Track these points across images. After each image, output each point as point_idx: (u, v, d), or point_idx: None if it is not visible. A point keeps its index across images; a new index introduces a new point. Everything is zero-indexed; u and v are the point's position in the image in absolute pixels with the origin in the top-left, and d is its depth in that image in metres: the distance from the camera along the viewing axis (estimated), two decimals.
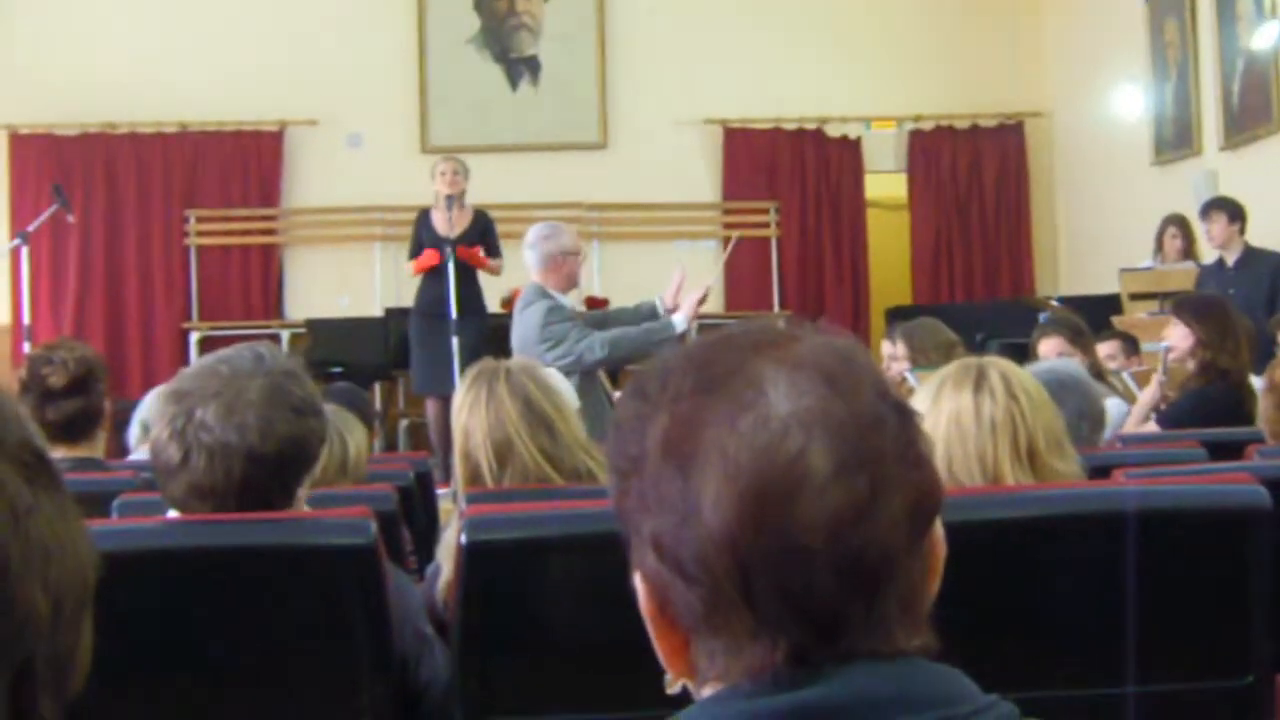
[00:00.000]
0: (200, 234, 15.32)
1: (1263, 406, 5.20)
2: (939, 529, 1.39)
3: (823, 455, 1.30)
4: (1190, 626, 3.30)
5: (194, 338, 14.72)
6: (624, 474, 1.38)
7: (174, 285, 15.24)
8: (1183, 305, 7.31)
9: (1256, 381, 7.08)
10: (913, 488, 1.34)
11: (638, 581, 1.39)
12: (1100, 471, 3.95)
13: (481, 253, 11.38)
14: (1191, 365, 7.01)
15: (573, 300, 8.68)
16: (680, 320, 8.43)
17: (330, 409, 3.68)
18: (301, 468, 3.19)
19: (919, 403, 3.51)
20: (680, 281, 8.65)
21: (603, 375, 8.41)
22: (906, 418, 1.38)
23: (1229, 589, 3.29)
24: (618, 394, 8.64)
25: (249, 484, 3.08)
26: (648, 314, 8.65)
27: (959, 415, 3.56)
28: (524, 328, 8.30)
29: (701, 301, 8.62)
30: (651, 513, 1.34)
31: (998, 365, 3.70)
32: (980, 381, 3.61)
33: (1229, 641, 3.30)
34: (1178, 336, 7.09)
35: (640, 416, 1.38)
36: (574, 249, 8.52)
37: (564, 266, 8.42)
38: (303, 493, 3.31)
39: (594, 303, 13.22)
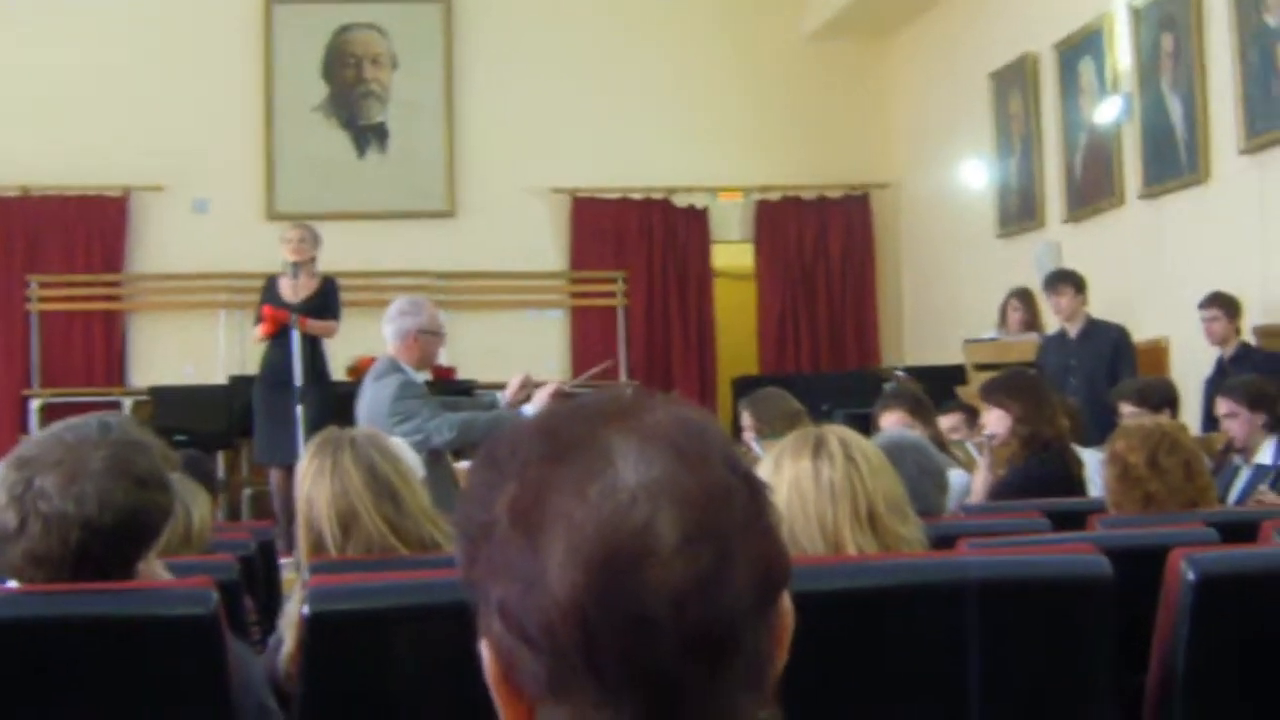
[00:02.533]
0: (42, 300, 15.13)
1: (1105, 477, 5.26)
2: (787, 600, 1.39)
3: (670, 525, 1.29)
4: (1034, 696, 3.32)
5: (34, 405, 14.51)
6: (473, 540, 1.37)
7: (14, 351, 15.02)
8: (992, 388, 7.37)
9: (1087, 453, 7.20)
10: (760, 559, 1.34)
11: (484, 649, 1.38)
12: (945, 541, 3.98)
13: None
14: (1015, 443, 7.09)
15: (423, 377, 8.58)
16: (531, 410, 8.30)
17: (174, 478, 3.63)
18: (142, 540, 3.14)
19: (762, 471, 3.53)
20: (520, 383, 8.53)
21: (447, 452, 8.33)
22: (756, 489, 1.38)
23: (1072, 658, 3.33)
24: (463, 464, 8.61)
25: (85, 554, 3.03)
26: (489, 407, 8.57)
27: (799, 480, 3.59)
28: (374, 399, 8.21)
29: (554, 395, 8.47)
30: (499, 579, 1.33)
31: (836, 432, 3.73)
32: (819, 448, 3.64)
33: (1072, 711, 3.34)
34: (995, 420, 7.17)
35: (489, 484, 1.37)
36: (433, 328, 8.36)
37: (420, 344, 8.30)
38: (156, 563, 3.27)
39: (440, 372, 13.16)
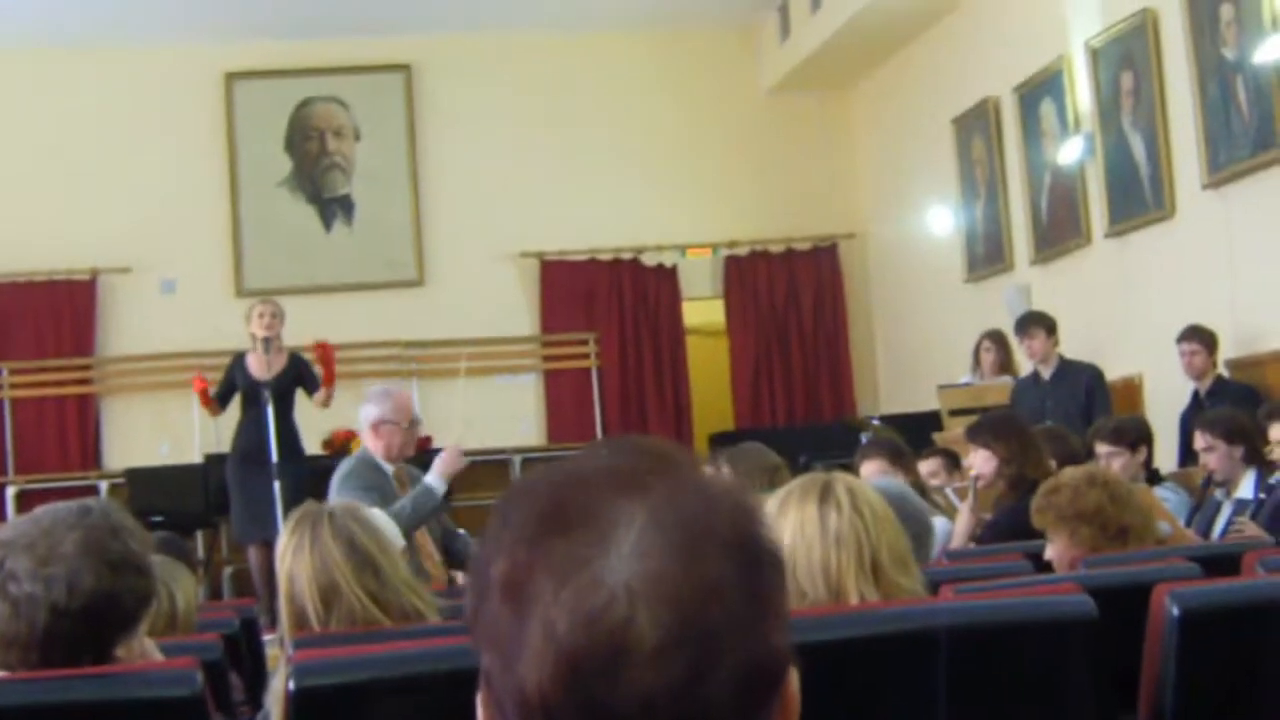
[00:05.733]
0: (14, 386, 15.10)
1: (1066, 535, 5.26)
2: (793, 685, 1.36)
3: (649, 627, 1.26)
4: None
5: (10, 492, 14.46)
6: (476, 595, 1.35)
7: None
8: (978, 430, 7.40)
9: None
10: (749, 661, 1.30)
11: (479, 701, 1.38)
12: (929, 588, 3.98)
13: (318, 395, 11.22)
14: (1000, 485, 7.10)
15: (393, 469, 8.41)
16: (435, 480, 8.15)
17: (157, 560, 3.62)
18: (116, 624, 3.12)
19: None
20: (452, 456, 8.37)
21: None
22: (763, 578, 1.33)
23: (1061, 699, 3.32)
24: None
25: (54, 637, 3.01)
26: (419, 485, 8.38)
27: (804, 525, 3.58)
28: (331, 487, 8.17)
29: (454, 461, 8.31)
30: (487, 646, 1.32)
31: (843, 479, 3.73)
32: (826, 494, 3.64)
33: None
34: (981, 461, 7.19)
35: (495, 543, 1.34)
36: (397, 419, 8.24)
37: (383, 434, 8.20)
38: (148, 643, 3.26)
39: (418, 443, 13.11)
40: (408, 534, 7.97)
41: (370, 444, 8.19)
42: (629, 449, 1.39)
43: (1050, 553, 5.25)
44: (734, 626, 1.29)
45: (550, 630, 1.27)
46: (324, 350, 11.24)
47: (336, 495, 7.92)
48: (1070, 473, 5.46)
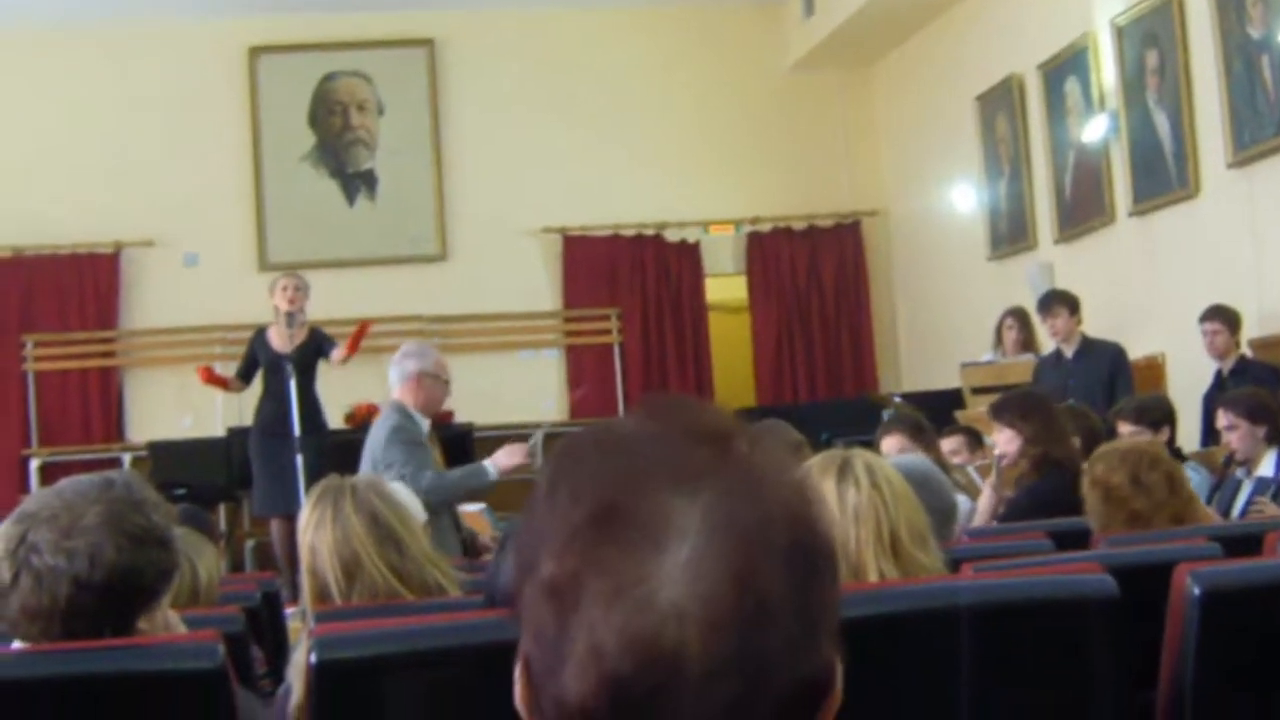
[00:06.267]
0: (38, 359, 15.13)
1: (1089, 501, 5.26)
2: (836, 691, 1.33)
3: (699, 654, 1.23)
4: (1045, 717, 3.32)
5: (34, 464, 14.50)
6: (521, 569, 1.32)
7: (11, 412, 15.01)
8: (1003, 408, 7.37)
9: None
10: (799, 679, 1.28)
11: (517, 671, 1.36)
12: (950, 566, 3.98)
13: (335, 352, 11.22)
14: (1024, 464, 7.08)
15: (427, 423, 8.55)
16: (492, 466, 8.31)
17: (179, 533, 3.62)
18: (137, 598, 3.12)
19: None
20: (519, 454, 8.53)
21: None
22: (818, 579, 1.31)
23: (1082, 678, 3.32)
24: (468, 507, 8.63)
25: (75, 610, 3.02)
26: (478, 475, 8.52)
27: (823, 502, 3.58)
28: (373, 439, 8.24)
29: (517, 459, 8.46)
30: (529, 630, 1.30)
31: (862, 456, 3.73)
32: (845, 471, 3.64)
33: None
34: (1005, 440, 7.16)
35: (545, 519, 1.31)
36: (438, 373, 8.42)
37: (424, 387, 8.33)
38: (171, 615, 3.27)
39: (440, 416, 13.13)
40: (448, 503, 8.07)
41: (409, 397, 8.26)
42: (682, 425, 1.35)
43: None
44: (786, 648, 1.27)
45: (598, 649, 1.24)
46: (361, 329, 11.25)
47: (385, 451, 7.98)
48: (1118, 444, 5.45)
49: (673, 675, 1.23)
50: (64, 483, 3.19)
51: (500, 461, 8.34)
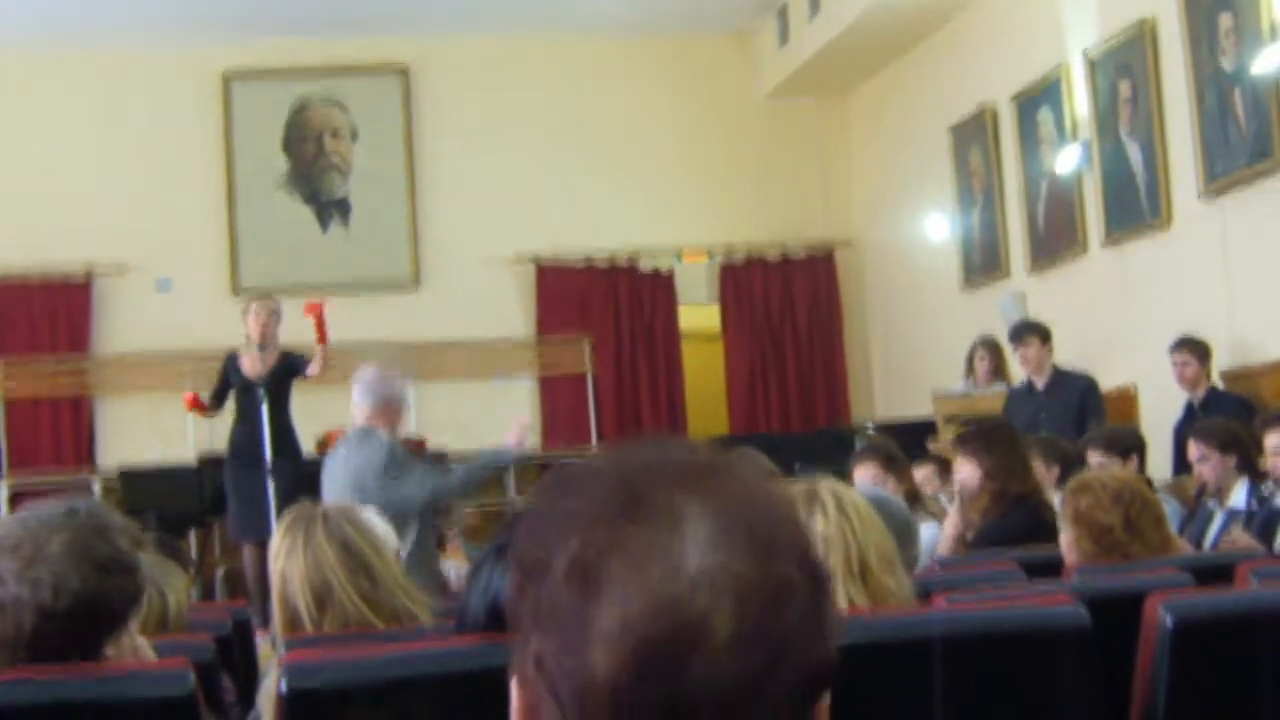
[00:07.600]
0: (8, 384, 15.07)
1: (1071, 537, 5.21)
2: (825, 696, 1.37)
3: (726, 621, 1.26)
4: None
5: (3, 491, 14.44)
6: (525, 574, 1.33)
7: None
8: (967, 440, 7.36)
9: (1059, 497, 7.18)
10: (809, 662, 1.31)
11: (513, 685, 1.36)
12: (920, 594, 3.98)
13: (310, 365, 11.11)
14: (985, 498, 7.06)
15: None
16: (513, 445, 8.64)
17: (148, 560, 3.61)
18: (103, 625, 3.11)
19: None
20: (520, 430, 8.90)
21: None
22: (819, 582, 1.34)
23: (1054, 709, 3.33)
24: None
25: (41, 639, 3.01)
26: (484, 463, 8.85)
27: None
28: (363, 463, 8.22)
29: (525, 432, 8.83)
30: (541, 628, 1.30)
31: (829, 485, 3.74)
32: (812, 499, 3.65)
33: None
34: (966, 472, 7.16)
35: (556, 520, 1.33)
36: (403, 396, 8.61)
37: (398, 413, 8.47)
38: (139, 639, 3.26)
39: (409, 444, 13.13)
40: (480, 487, 8.33)
41: (381, 421, 8.34)
42: (681, 447, 1.39)
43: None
44: (802, 629, 1.30)
45: (627, 619, 1.26)
46: (315, 310, 11.06)
47: (397, 468, 8.09)
48: (1102, 478, 5.42)
49: (702, 643, 1.25)
50: (26, 511, 3.18)
51: (516, 438, 8.60)
